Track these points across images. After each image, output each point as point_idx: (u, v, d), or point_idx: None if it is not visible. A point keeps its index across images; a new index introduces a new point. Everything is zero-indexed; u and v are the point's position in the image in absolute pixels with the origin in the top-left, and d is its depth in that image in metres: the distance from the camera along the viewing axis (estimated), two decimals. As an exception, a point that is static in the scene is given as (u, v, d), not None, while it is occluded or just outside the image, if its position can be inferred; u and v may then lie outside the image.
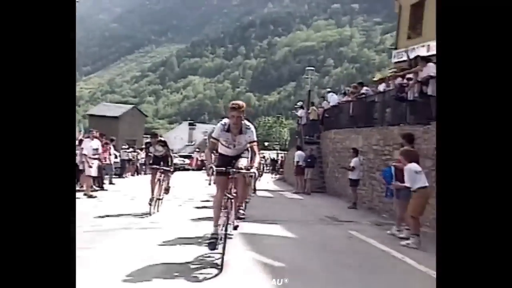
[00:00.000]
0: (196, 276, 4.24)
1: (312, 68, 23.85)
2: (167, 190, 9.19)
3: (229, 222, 4.90)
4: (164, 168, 8.83)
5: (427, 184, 6.91)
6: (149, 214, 8.21)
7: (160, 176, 8.74)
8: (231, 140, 5.13)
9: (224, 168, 4.93)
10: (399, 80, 11.21)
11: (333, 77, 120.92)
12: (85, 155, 11.34)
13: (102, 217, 7.82)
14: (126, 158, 22.10)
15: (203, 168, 32.58)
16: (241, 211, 5.14)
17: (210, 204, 8.37)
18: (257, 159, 5.06)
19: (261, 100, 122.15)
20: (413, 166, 6.92)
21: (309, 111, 19.20)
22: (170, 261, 4.77)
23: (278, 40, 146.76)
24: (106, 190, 13.51)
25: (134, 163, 23.70)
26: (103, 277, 4.10)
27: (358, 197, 11.97)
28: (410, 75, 10.60)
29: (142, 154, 23.74)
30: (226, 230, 4.74)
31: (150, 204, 8.36)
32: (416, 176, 6.84)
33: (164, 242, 5.83)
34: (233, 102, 5.03)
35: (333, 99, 17.30)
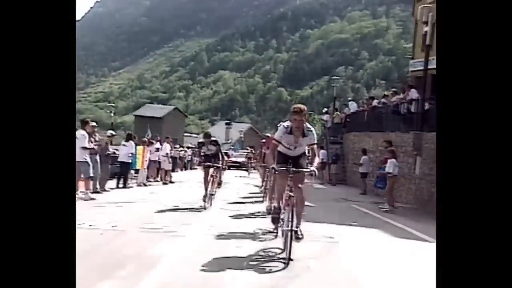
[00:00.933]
0: (264, 268, 4.85)
1: (338, 77, 28.29)
2: (219, 185, 10.22)
3: (293, 219, 5.10)
4: (216, 165, 9.85)
5: (397, 174, 11.65)
6: (204, 208, 9.31)
7: (213, 173, 9.74)
8: (293, 142, 5.52)
9: (285, 167, 5.37)
10: (395, 98, 15.71)
11: (367, 71, 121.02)
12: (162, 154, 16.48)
13: (179, 209, 9.38)
14: (177, 156, 27.23)
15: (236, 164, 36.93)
16: (299, 230, 5.29)
17: (259, 199, 11.52)
18: (317, 159, 5.48)
19: (293, 95, 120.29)
20: (394, 160, 11.63)
21: (334, 116, 23.92)
22: (236, 254, 5.37)
23: (310, 32, 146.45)
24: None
25: (182, 159, 28.92)
26: (181, 267, 4.84)
27: (368, 186, 16.55)
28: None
29: (189, 152, 29.19)
30: (291, 226, 5.05)
31: (204, 201, 9.45)
32: (394, 167, 11.53)
33: (223, 236, 6.61)
34: (295, 106, 5.37)
35: (353, 106, 22.03)
